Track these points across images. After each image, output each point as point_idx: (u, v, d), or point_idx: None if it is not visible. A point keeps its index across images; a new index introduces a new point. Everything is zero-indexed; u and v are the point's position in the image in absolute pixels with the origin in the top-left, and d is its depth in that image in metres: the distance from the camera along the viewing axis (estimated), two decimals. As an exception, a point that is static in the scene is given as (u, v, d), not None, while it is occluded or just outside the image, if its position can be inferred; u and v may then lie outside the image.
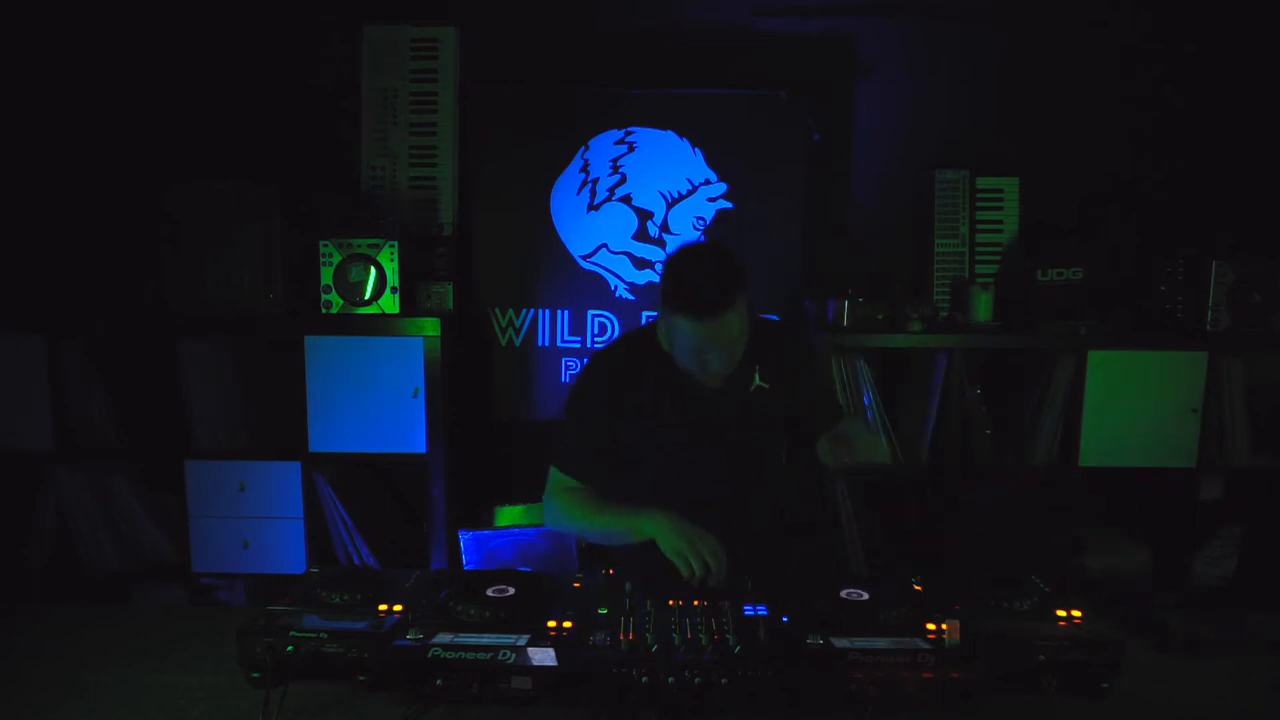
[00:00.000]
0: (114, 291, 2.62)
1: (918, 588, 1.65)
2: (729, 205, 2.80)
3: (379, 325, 2.53)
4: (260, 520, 2.60)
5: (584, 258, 2.82)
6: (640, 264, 2.83)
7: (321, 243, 2.52)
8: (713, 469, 1.88)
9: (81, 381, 2.61)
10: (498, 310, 2.84)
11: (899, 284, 2.87)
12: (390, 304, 2.54)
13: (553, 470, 1.93)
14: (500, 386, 2.86)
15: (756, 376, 1.88)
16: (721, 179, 2.79)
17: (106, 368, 2.62)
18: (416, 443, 2.57)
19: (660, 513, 1.74)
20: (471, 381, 2.81)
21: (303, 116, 2.81)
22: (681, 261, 1.80)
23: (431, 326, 2.54)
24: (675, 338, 1.76)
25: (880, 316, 2.63)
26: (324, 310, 2.52)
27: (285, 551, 2.61)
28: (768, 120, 2.75)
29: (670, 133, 2.79)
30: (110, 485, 2.68)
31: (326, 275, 2.52)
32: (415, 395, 2.56)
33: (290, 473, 2.58)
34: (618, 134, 2.79)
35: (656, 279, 2.82)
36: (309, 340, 2.54)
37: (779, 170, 2.78)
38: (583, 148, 2.79)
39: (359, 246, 2.52)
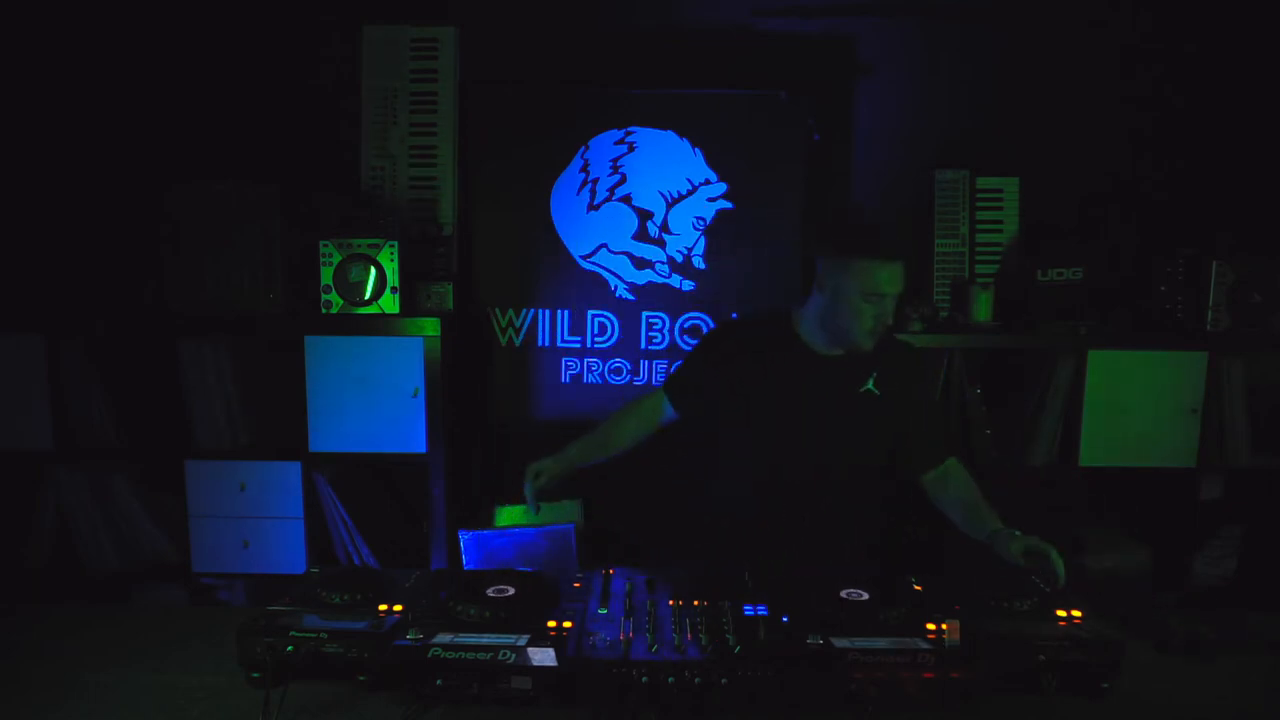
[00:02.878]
0: (114, 291, 2.62)
1: (918, 588, 1.65)
2: (729, 205, 2.80)
3: (379, 325, 2.53)
4: (260, 520, 2.60)
5: (584, 258, 2.82)
6: (640, 264, 2.83)
7: (321, 243, 2.51)
8: (803, 455, 1.97)
9: (81, 381, 2.60)
10: (498, 310, 2.84)
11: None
12: (390, 304, 2.54)
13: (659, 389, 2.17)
14: (500, 387, 2.86)
15: (871, 381, 1.98)
16: (721, 179, 2.79)
17: (106, 368, 2.62)
18: (416, 443, 2.57)
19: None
20: (471, 381, 2.81)
21: (303, 116, 2.81)
22: (851, 215, 2.05)
23: (431, 326, 2.54)
24: (848, 286, 1.85)
25: (880, 316, 2.63)
26: (324, 310, 2.52)
27: (285, 551, 2.61)
28: (768, 120, 2.75)
29: (670, 133, 2.79)
30: (110, 485, 2.68)
31: (326, 275, 2.52)
32: (415, 395, 2.56)
33: (290, 473, 2.58)
34: (618, 134, 2.79)
35: (657, 279, 2.82)
36: (309, 340, 2.54)
37: (779, 170, 2.78)
38: (583, 148, 2.79)
39: (359, 246, 2.52)
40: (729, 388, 2.00)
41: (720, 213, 2.81)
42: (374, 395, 2.56)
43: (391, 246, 2.52)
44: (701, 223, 2.81)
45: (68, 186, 2.74)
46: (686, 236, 2.82)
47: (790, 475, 1.98)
